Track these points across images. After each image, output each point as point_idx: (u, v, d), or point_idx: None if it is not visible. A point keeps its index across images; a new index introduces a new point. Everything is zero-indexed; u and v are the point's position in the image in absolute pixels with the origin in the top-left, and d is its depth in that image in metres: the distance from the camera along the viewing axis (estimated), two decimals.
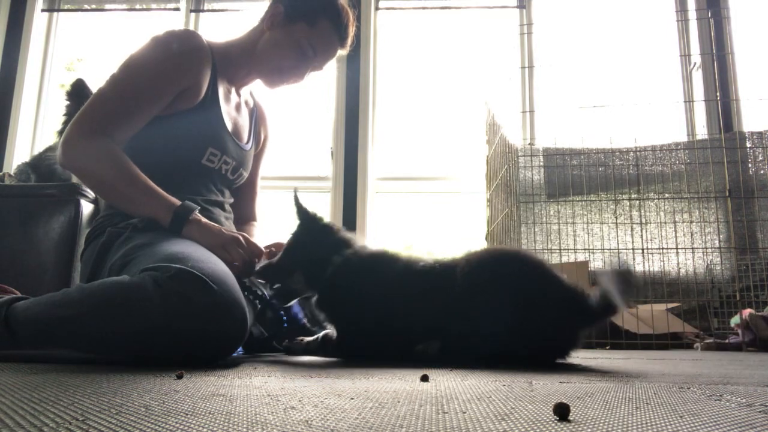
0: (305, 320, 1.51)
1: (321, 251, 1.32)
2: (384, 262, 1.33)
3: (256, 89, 1.75)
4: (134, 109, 1.35)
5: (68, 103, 2.42)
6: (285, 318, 1.47)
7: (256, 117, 1.72)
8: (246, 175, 1.65)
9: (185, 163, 1.45)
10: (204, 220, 1.33)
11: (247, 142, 1.63)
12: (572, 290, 1.19)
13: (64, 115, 2.42)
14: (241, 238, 1.31)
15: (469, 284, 1.19)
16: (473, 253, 1.29)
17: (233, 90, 1.60)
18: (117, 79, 1.36)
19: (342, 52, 1.60)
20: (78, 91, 2.39)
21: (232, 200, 1.62)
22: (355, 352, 1.31)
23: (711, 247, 2.91)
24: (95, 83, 1.40)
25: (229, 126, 1.53)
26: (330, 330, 1.39)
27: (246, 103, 1.68)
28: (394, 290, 1.26)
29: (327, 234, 1.37)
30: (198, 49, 1.43)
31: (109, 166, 1.30)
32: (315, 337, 1.41)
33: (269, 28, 1.53)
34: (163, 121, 1.41)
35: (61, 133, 2.37)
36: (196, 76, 1.42)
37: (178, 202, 1.30)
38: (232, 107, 1.58)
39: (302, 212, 1.39)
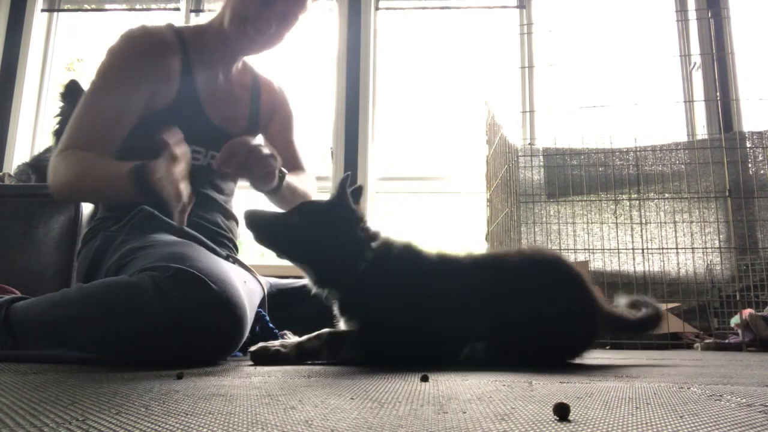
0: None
1: (351, 246, 1.21)
2: (418, 255, 1.24)
3: (256, 63, 1.65)
4: (109, 129, 1.34)
5: (62, 104, 2.41)
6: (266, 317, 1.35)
7: (258, 92, 1.62)
8: None
9: None
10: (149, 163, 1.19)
11: (247, 124, 1.57)
12: (594, 299, 1.25)
13: (57, 116, 2.41)
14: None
15: (520, 283, 1.20)
16: (516, 252, 1.32)
17: (220, 73, 1.51)
18: (88, 100, 1.35)
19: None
20: (72, 92, 2.38)
21: (233, 199, 1.61)
22: (381, 352, 1.16)
23: (711, 247, 2.91)
24: None
25: (216, 119, 1.48)
26: (334, 329, 1.20)
27: (241, 82, 1.59)
28: (435, 286, 1.19)
29: (357, 227, 1.24)
30: (158, 44, 1.39)
31: (73, 167, 1.28)
32: (316, 335, 1.17)
33: None
34: (142, 123, 1.37)
35: (56, 133, 2.36)
36: (163, 70, 1.39)
37: (130, 165, 1.20)
38: (220, 93, 1.51)
39: (342, 199, 1.22)
